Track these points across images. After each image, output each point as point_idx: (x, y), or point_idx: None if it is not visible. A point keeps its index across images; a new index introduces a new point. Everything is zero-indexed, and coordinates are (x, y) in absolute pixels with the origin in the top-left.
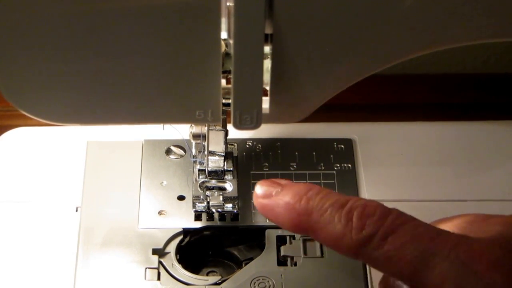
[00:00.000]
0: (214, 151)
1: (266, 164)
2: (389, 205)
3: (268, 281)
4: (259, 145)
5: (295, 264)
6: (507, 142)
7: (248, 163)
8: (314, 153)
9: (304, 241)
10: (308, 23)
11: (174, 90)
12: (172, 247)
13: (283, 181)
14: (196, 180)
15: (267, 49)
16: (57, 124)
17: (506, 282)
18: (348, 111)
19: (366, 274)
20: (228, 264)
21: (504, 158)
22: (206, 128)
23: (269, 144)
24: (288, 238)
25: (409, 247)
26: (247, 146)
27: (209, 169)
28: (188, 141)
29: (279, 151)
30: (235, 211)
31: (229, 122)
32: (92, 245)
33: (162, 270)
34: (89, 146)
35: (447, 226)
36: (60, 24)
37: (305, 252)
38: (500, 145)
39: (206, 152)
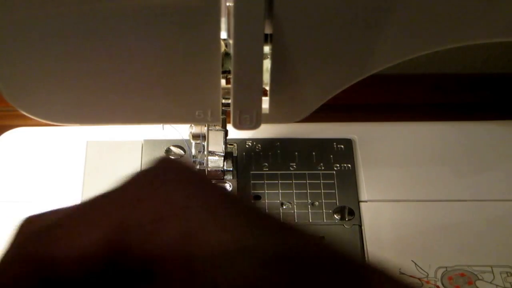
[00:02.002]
0: (213, 151)
1: (266, 164)
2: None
3: None
4: (259, 145)
5: None
6: (507, 142)
7: (248, 163)
8: (314, 153)
9: None
10: (308, 23)
11: (173, 90)
12: None
13: None
14: None
15: (266, 49)
16: (57, 124)
17: None
18: (348, 111)
19: None
20: None
21: (504, 158)
22: (205, 128)
23: (268, 144)
24: None
25: None
26: (247, 146)
27: (209, 169)
28: (187, 141)
29: (278, 151)
30: None
31: (229, 122)
32: None
33: None
34: (89, 146)
35: None
36: (60, 24)
37: None
38: (500, 145)
39: (205, 152)
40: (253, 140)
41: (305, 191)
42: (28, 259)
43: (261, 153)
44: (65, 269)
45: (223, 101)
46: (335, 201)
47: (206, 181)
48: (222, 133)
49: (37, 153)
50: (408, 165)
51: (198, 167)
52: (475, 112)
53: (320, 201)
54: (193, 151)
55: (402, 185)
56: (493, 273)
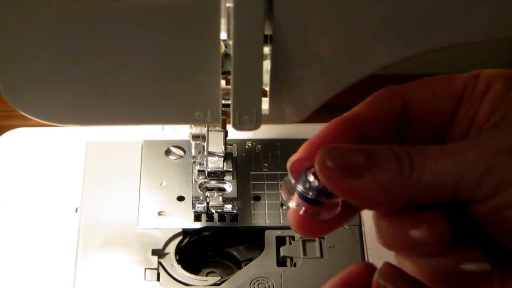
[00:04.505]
0: (213, 152)
1: (266, 164)
2: None
3: (267, 282)
4: (259, 146)
5: (295, 265)
6: None
7: (248, 163)
8: None
9: (304, 242)
10: (308, 24)
11: (173, 91)
12: (171, 248)
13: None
14: (195, 180)
15: (266, 50)
16: (56, 125)
17: None
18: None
19: None
20: (227, 264)
21: None
22: (205, 129)
23: (268, 144)
24: (287, 238)
25: None
26: (247, 146)
27: (209, 169)
28: (187, 141)
29: (278, 152)
30: (235, 211)
31: (229, 123)
32: (91, 245)
33: (161, 271)
34: (88, 146)
35: None
36: (59, 24)
37: (304, 253)
38: None
39: (205, 153)
40: (252, 140)
41: None
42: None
43: (261, 154)
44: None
45: (223, 101)
46: None
47: None
48: (221, 134)
49: (37, 153)
50: None
51: (198, 167)
52: None
53: None
54: (193, 152)
55: None
56: None
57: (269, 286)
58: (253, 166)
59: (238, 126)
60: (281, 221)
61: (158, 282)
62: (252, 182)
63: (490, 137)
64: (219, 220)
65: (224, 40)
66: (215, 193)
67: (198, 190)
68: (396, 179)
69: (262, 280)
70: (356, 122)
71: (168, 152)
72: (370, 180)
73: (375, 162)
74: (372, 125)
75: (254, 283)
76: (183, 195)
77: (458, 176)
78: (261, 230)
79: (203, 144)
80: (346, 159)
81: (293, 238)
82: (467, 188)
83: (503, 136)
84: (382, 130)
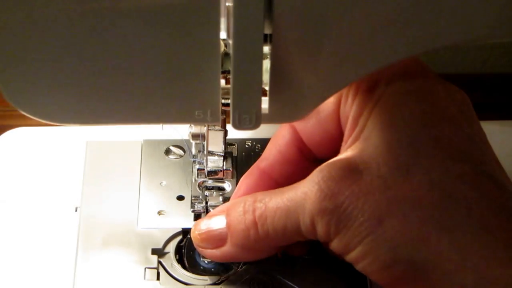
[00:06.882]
0: (213, 151)
1: None
2: None
3: (267, 282)
4: (259, 145)
5: (294, 264)
6: (507, 142)
7: (248, 163)
8: None
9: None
10: (307, 23)
11: (173, 90)
12: (171, 247)
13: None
14: (195, 180)
15: (266, 49)
16: (56, 124)
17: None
18: None
19: None
20: (227, 264)
21: (504, 158)
22: (205, 128)
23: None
24: None
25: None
26: (247, 146)
27: (208, 169)
28: (187, 141)
29: None
30: None
31: (229, 122)
32: (91, 245)
33: (161, 270)
34: (88, 146)
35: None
36: (59, 24)
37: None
38: (500, 145)
39: (205, 152)
40: (252, 140)
41: None
42: None
43: (261, 153)
44: None
45: (223, 101)
46: None
47: None
48: (221, 133)
49: (37, 153)
50: None
51: (197, 166)
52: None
53: None
54: (193, 151)
55: None
56: None
57: (269, 286)
58: None
59: (238, 126)
60: None
61: (158, 281)
62: None
63: (311, 182)
64: None
65: (223, 39)
66: (215, 193)
67: (198, 189)
68: (247, 239)
69: (262, 279)
70: (266, 171)
71: (168, 152)
72: (231, 245)
73: (230, 228)
74: (278, 166)
75: (254, 283)
76: (183, 194)
77: (295, 224)
78: None
79: (203, 143)
80: (210, 233)
81: None
82: (306, 234)
83: (324, 177)
84: (287, 163)
